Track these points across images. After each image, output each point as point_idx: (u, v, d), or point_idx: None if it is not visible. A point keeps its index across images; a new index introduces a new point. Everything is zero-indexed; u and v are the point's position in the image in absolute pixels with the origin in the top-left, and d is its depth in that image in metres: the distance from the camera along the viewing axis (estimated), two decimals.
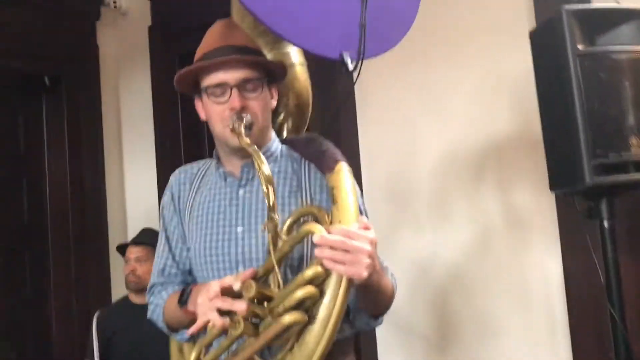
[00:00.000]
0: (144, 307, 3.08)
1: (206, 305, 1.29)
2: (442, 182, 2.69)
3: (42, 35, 3.67)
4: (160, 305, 1.61)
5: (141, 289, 3.12)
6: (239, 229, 1.49)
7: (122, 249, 3.29)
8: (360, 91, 2.90)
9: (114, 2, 3.92)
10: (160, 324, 1.63)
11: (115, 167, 4.01)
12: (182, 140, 3.77)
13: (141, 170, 3.92)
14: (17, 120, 3.83)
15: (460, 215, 2.64)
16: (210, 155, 1.65)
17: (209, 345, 1.39)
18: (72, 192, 3.81)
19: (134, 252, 3.17)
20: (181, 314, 1.48)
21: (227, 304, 1.26)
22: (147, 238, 3.27)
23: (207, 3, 3.52)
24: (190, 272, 1.62)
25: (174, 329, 1.58)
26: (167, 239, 1.64)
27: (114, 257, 3.87)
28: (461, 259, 2.63)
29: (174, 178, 1.68)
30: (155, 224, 3.63)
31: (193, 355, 1.40)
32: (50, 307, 3.81)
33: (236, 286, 1.27)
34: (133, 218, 3.98)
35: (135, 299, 3.16)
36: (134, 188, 4.02)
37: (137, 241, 3.22)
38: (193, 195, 1.61)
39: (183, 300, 1.47)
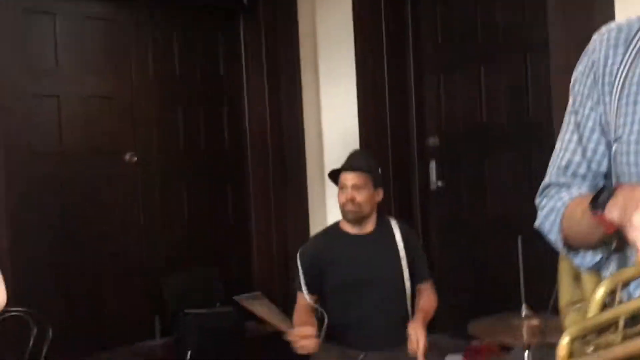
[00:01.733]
0: (360, 238, 2.97)
1: None
2: None
3: None
4: (558, 210, 1.12)
5: (360, 219, 2.94)
6: None
7: (334, 174, 3.07)
8: None
9: None
10: (554, 235, 1.13)
11: (312, 85, 3.87)
12: (385, 55, 3.54)
13: (339, 90, 3.76)
14: (217, 40, 3.84)
15: None
16: None
17: (627, 285, 0.97)
18: (271, 113, 3.80)
19: (350, 178, 2.93)
20: (590, 224, 0.99)
21: None
22: (363, 164, 3.05)
23: None
24: (606, 175, 1.12)
25: (574, 246, 1.10)
26: (578, 125, 1.14)
27: (310, 180, 3.81)
28: None
29: (598, 38, 1.13)
30: (352, 148, 3.46)
31: (600, 291, 0.94)
32: (251, 233, 3.90)
33: None
34: (330, 141, 3.85)
35: (351, 229, 2.98)
36: (331, 109, 3.87)
37: (354, 167, 2.99)
38: (628, 63, 1.08)
39: (600, 201, 0.96)
